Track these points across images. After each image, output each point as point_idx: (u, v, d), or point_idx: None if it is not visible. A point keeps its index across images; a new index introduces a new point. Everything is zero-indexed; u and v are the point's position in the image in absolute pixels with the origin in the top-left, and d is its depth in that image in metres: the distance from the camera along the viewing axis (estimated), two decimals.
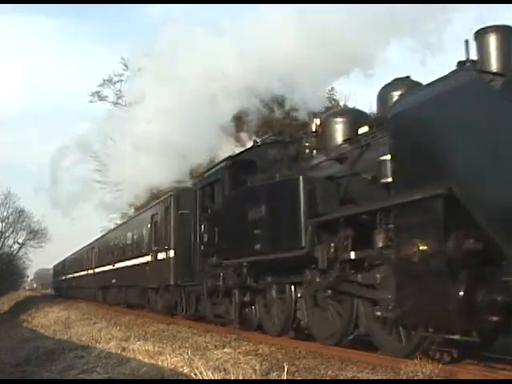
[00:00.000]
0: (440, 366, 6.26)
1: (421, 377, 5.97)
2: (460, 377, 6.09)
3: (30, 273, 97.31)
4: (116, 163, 24.38)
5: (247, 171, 11.24)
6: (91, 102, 29.96)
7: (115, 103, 29.26)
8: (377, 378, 6.31)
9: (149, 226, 18.98)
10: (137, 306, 21.23)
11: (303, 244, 8.34)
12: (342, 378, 6.44)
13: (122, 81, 28.50)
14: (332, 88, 24.02)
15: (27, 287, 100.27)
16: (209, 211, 12.71)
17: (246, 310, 11.36)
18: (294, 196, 8.60)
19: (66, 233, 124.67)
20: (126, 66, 26.68)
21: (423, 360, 6.43)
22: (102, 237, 31.06)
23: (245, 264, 10.51)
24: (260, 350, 8.78)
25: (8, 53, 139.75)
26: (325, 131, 9.97)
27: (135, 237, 21.36)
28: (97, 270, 29.57)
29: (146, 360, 7.86)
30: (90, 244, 33.85)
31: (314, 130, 10.24)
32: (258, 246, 9.68)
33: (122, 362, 7.93)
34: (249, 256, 10.20)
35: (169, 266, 15.91)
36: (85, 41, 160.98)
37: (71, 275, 41.06)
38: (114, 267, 24.48)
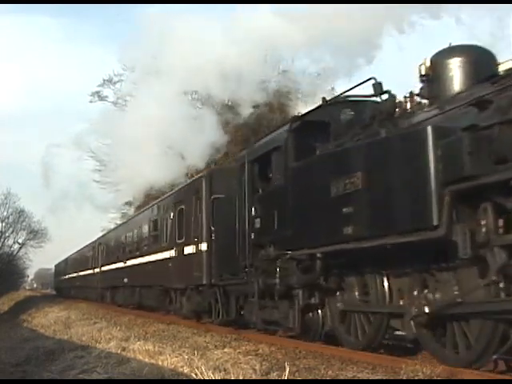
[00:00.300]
0: (441, 366, 6.25)
1: (421, 377, 5.90)
2: (460, 377, 6.03)
3: (30, 273, 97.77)
4: (114, 162, 24.52)
5: (316, 137, 8.93)
6: (91, 102, 30.08)
7: (115, 103, 29.33)
8: (377, 377, 6.27)
9: (171, 215, 15.99)
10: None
11: (435, 222, 5.85)
12: (342, 377, 6.40)
13: (121, 81, 28.57)
14: (332, 88, 24.06)
15: (27, 287, 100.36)
16: (260, 191, 10.22)
17: (310, 315, 9.05)
18: (418, 154, 6.11)
19: (66, 233, 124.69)
20: (125, 65, 26.75)
21: (424, 360, 6.42)
22: (110, 232, 28.69)
23: (319, 255, 8.06)
24: (260, 350, 8.72)
25: (8, 53, 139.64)
26: (437, 75, 7.42)
27: (153, 229, 18.47)
28: (104, 268, 27.10)
29: (146, 360, 7.80)
30: (96, 240, 31.33)
31: (423, 73, 7.60)
32: (348, 230, 7.19)
33: (122, 362, 7.86)
34: (330, 244, 7.68)
35: (200, 261, 13.14)
36: (85, 41, 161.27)
37: (75, 274, 38.78)
38: (126, 265, 21.87)
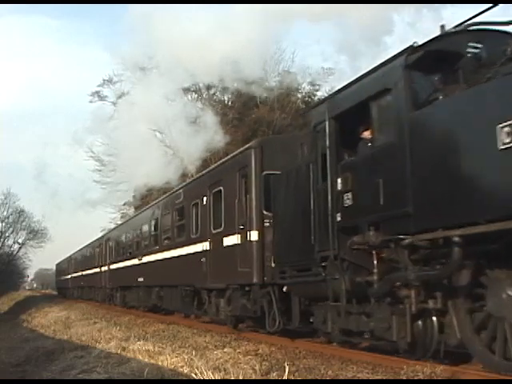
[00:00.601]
0: (441, 366, 6.24)
1: (421, 377, 5.91)
2: (460, 377, 6.03)
3: (30, 273, 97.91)
4: (113, 162, 24.64)
5: (438, 75, 6.61)
6: (91, 102, 30.26)
7: (115, 103, 29.44)
8: (377, 378, 6.28)
9: (204, 200, 13.15)
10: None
11: None
12: (342, 377, 6.42)
13: (122, 81, 28.70)
14: (332, 87, 24.13)
15: (27, 287, 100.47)
16: (346, 157, 7.89)
17: (420, 323, 6.71)
18: None
19: (66, 233, 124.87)
20: (124, 65, 26.86)
21: (424, 360, 6.41)
22: (120, 226, 26.11)
23: (456, 240, 5.70)
24: (260, 350, 8.72)
25: (9, 53, 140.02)
26: None
27: (178, 219, 15.52)
28: (113, 266, 24.53)
29: (146, 360, 7.83)
30: (104, 236, 28.63)
31: None
32: None
33: (122, 361, 7.89)
34: (497, 220, 5.19)
35: (249, 254, 10.40)
36: (85, 41, 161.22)
37: (78, 273, 36.49)
38: (141, 262, 19.18)
